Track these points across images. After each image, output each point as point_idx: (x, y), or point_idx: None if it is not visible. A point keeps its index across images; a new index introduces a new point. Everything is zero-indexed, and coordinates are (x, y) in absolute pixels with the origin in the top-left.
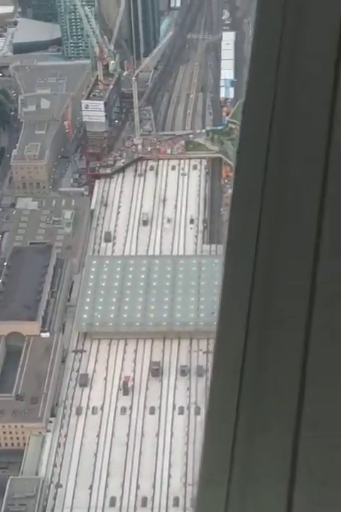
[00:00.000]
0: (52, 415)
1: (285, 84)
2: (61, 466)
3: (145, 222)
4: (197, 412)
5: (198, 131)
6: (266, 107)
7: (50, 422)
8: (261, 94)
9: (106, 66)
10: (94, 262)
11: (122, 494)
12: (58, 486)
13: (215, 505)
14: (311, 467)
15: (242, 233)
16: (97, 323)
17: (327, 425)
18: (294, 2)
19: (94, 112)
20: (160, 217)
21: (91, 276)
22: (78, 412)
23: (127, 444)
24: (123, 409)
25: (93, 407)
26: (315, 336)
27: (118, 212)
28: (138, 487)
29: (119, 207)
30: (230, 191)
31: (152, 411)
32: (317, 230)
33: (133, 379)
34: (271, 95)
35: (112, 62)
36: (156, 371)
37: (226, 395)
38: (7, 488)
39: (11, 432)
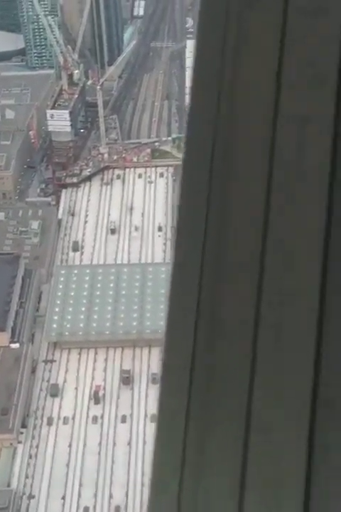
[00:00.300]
0: (23, 426)
1: (228, 96)
2: (33, 477)
3: (113, 231)
4: None
5: (164, 138)
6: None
7: (21, 433)
8: (203, 112)
9: (71, 75)
10: (63, 271)
11: (95, 504)
12: (31, 497)
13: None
14: (261, 470)
15: (188, 247)
16: (67, 333)
17: (277, 429)
18: (235, 19)
19: (59, 122)
20: (128, 226)
21: (60, 286)
22: (49, 423)
23: (99, 454)
24: (95, 419)
25: (64, 417)
26: (262, 340)
27: (85, 222)
28: (111, 496)
29: (87, 216)
30: None
31: (123, 419)
32: (263, 239)
33: (104, 388)
34: (214, 111)
35: (76, 71)
36: (127, 379)
37: (176, 403)
38: None
39: None
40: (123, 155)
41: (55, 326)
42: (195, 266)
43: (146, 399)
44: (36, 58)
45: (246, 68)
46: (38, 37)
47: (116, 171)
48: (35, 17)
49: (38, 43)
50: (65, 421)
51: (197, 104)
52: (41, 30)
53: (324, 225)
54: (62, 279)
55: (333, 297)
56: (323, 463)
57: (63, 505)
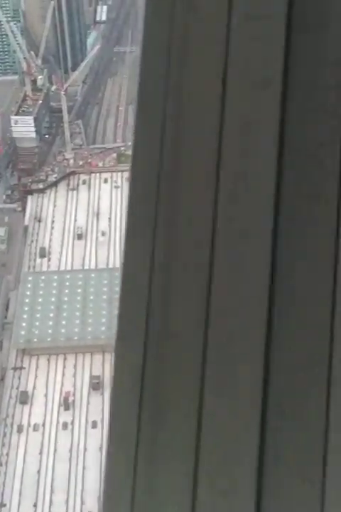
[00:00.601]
0: None
1: (175, 107)
2: (4, 485)
3: (79, 236)
4: None
5: (129, 143)
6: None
7: None
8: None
9: (35, 81)
10: (30, 278)
11: (67, 510)
12: (2, 505)
13: None
14: (213, 479)
15: (137, 256)
16: (35, 340)
17: (226, 437)
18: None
19: (23, 128)
20: (95, 231)
21: (28, 293)
22: (19, 430)
23: (70, 460)
24: (65, 425)
25: (34, 424)
26: (213, 347)
27: (52, 228)
28: (83, 502)
29: (53, 222)
30: None
31: (94, 425)
32: (211, 241)
33: (74, 394)
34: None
35: (40, 77)
36: (97, 385)
37: (127, 409)
38: None
39: None
40: (89, 160)
41: (23, 332)
42: (145, 272)
43: None
44: None
45: (192, 73)
46: (0, 43)
47: (82, 177)
48: None
49: (1, 50)
50: (35, 428)
51: (143, 111)
52: (4, 36)
53: (271, 225)
54: (29, 285)
55: (280, 302)
56: (274, 468)
57: None
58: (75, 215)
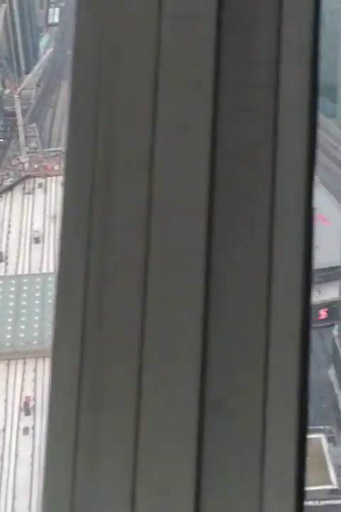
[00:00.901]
0: None
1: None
2: None
3: (36, 240)
4: None
5: None
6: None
7: None
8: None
9: None
10: None
11: None
12: None
13: None
14: (151, 479)
15: (72, 263)
16: None
17: (164, 436)
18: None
19: None
20: (52, 234)
21: None
22: None
23: (32, 465)
24: (26, 430)
25: None
26: (148, 346)
27: (8, 232)
28: None
29: (9, 226)
30: None
31: None
32: (147, 241)
33: (35, 399)
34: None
35: None
36: None
37: (65, 411)
38: None
39: None
40: (45, 163)
41: None
42: (80, 273)
43: None
44: None
45: (124, 76)
46: None
47: (38, 180)
48: None
49: None
50: None
51: (75, 115)
52: None
53: (205, 224)
54: None
55: (216, 301)
56: (213, 465)
57: None
58: (32, 219)
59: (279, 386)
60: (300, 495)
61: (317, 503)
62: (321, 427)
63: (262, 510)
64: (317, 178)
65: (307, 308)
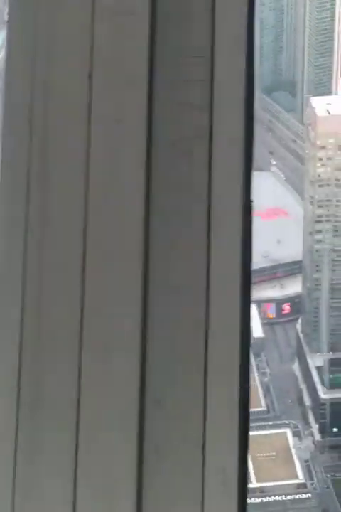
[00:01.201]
0: None
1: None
2: None
3: None
4: None
5: None
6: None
7: None
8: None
9: None
10: None
11: None
12: None
13: None
14: (92, 480)
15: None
16: None
17: (104, 439)
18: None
19: None
20: None
21: None
22: None
23: None
24: None
25: None
26: (87, 345)
27: None
28: None
29: None
30: None
31: None
32: (83, 238)
33: None
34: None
35: None
36: None
37: (4, 411)
38: None
39: None
40: None
41: None
42: (18, 272)
43: None
44: None
45: (58, 72)
46: None
47: None
48: None
49: None
50: None
51: (9, 111)
52: None
53: (142, 219)
54: None
55: (155, 295)
56: (155, 462)
57: None
58: None
59: (219, 382)
60: (243, 489)
61: (284, 497)
62: (286, 422)
63: (204, 505)
64: (281, 175)
65: (246, 302)
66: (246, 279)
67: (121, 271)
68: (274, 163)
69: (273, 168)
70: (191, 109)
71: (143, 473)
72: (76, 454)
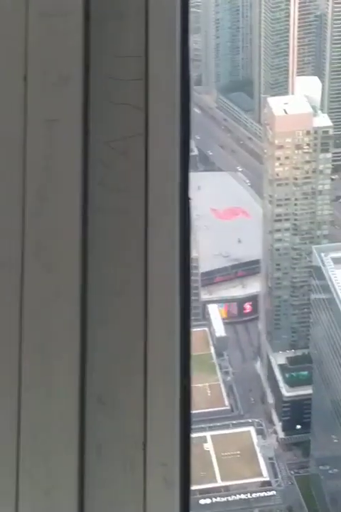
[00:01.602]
0: None
1: None
2: None
3: None
4: None
5: None
6: None
7: None
8: None
9: None
10: None
11: None
12: None
13: None
14: (34, 477)
15: None
16: None
17: (45, 437)
18: None
19: None
20: None
21: None
22: None
23: None
24: None
25: None
26: (27, 346)
27: None
28: None
29: None
30: None
31: None
32: (22, 246)
33: None
34: None
35: None
36: None
37: None
38: None
39: None
40: None
41: None
42: None
43: None
44: None
45: None
46: None
47: None
48: None
49: None
50: None
51: None
52: None
53: (79, 218)
54: None
55: (93, 295)
56: (96, 459)
57: None
58: None
59: (159, 382)
60: (186, 484)
61: (249, 495)
62: (250, 420)
63: (146, 500)
64: (241, 176)
65: (186, 300)
66: (186, 277)
67: (60, 272)
68: (241, 169)
69: (236, 172)
70: (127, 109)
71: (85, 471)
72: (17, 454)
